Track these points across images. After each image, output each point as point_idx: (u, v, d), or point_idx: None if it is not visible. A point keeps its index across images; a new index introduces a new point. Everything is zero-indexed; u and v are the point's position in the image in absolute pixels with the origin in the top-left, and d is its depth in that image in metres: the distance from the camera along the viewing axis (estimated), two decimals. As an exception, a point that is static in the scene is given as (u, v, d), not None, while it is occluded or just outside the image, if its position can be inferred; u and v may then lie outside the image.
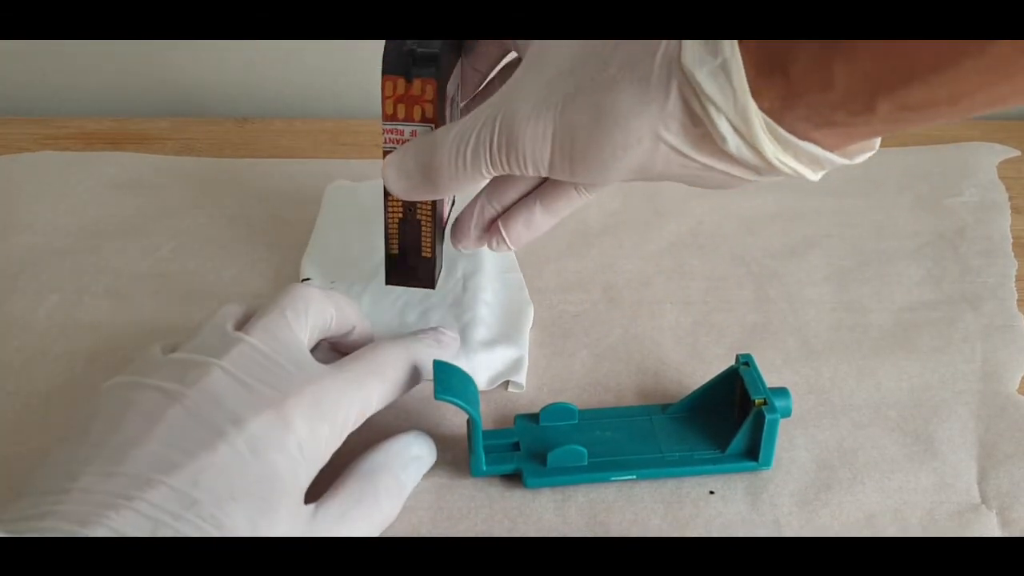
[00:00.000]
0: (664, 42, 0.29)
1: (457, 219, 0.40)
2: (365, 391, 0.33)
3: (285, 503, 0.30)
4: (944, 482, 0.36)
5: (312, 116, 0.60)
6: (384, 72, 0.34)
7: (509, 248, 0.38)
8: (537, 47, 0.33)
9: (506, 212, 0.38)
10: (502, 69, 0.39)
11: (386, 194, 0.37)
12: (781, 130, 0.29)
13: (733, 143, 0.29)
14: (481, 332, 0.41)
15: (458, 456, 0.37)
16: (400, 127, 0.35)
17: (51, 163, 0.54)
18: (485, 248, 0.39)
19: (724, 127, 0.29)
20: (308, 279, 0.44)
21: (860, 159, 0.31)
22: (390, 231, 0.39)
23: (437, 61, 0.34)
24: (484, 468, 0.36)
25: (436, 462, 0.37)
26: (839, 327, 0.43)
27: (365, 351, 0.35)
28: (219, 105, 0.62)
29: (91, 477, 0.28)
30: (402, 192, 0.36)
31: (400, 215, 0.38)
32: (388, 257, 0.40)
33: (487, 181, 0.35)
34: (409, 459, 0.35)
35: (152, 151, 0.55)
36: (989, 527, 0.35)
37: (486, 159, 0.32)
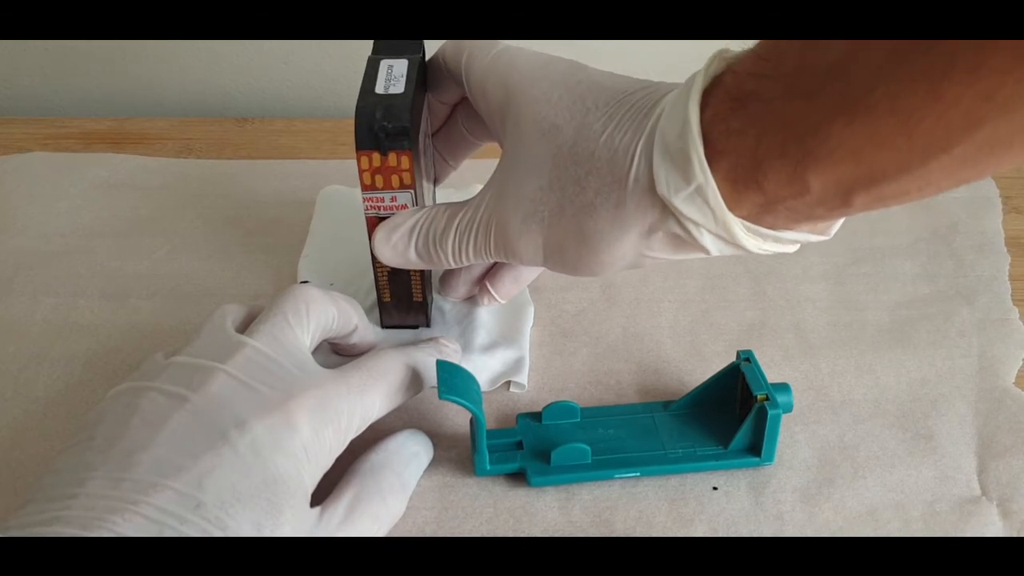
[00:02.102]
0: (632, 169, 0.30)
1: (445, 274, 0.42)
2: (368, 398, 0.33)
3: (290, 505, 0.30)
4: (944, 475, 0.36)
5: (312, 116, 0.60)
6: (358, 148, 0.35)
7: (500, 302, 0.42)
8: (509, 150, 0.34)
9: (493, 268, 0.41)
10: (464, 101, 0.40)
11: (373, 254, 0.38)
12: (762, 228, 0.30)
13: (716, 248, 0.30)
14: (481, 336, 0.41)
15: (462, 456, 0.37)
16: (380, 195, 0.36)
17: (44, 164, 0.53)
18: None
19: (707, 240, 0.30)
20: (307, 281, 0.44)
21: (833, 231, 0.32)
22: (381, 283, 0.39)
23: (408, 133, 0.34)
24: (488, 467, 0.36)
25: (440, 462, 0.37)
26: (836, 323, 0.43)
27: (367, 358, 0.35)
28: (219, 105, 0.62)
29: (97, 482, 0.28)
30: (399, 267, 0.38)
31: (389, 270, 0.39)
32: (381, 303, 0.40)
33: None
34: (409, 456, 0.35)
35: (151, 151, 0.55)
36: (990, 519, 0.35)
37: (486, 257, 0.36)
